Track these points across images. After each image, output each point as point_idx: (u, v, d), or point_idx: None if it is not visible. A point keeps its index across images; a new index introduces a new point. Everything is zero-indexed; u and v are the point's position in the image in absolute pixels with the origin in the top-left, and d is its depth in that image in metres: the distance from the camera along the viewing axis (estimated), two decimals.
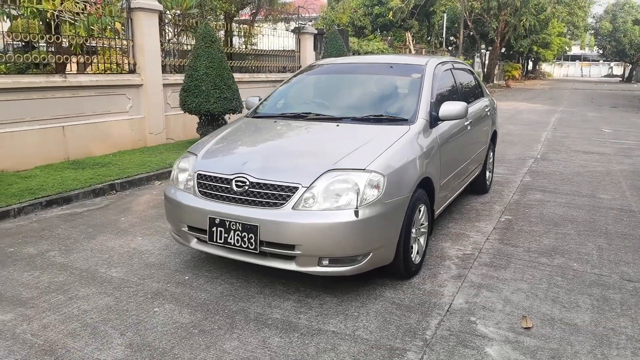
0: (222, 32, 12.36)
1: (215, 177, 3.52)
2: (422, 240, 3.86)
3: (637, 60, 46.57)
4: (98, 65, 8.59)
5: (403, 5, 25.70)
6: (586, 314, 3.24)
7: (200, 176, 3.60)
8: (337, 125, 3.97)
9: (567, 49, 45.04)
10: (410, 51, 19.79)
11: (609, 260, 4.13)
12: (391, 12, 24.85)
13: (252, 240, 3.26)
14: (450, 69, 5.00)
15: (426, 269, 3.91)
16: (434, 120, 4.08)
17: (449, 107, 4.06)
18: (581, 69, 72.08)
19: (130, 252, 4.27)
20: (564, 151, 9.45)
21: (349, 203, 3.19)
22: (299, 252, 3.19)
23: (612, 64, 65.40)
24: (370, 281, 3.64)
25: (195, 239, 3.65)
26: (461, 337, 2.96)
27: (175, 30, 10.95)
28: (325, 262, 3.23)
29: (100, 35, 8.31)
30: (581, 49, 47.38)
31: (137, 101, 8.69)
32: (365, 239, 3.23)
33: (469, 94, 5.42)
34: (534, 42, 32.09)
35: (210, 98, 8.22)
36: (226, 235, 3.36)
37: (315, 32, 14.97)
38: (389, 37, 19.75)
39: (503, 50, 32.55)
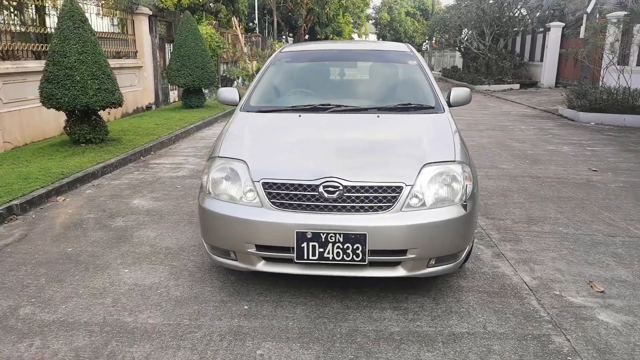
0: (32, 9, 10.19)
1: (293, 184, 2.99)
2: None
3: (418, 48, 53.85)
4: None
5: None
6: (621, 271, 3.73)
7: (268, 185, 3.02)
8: (378, 117, 3.73)
9: (353, 36, 49.63)
10: (238, 36, 19.34)
11: (579, 221, 4.80)
12: None
13: (358, 252, 2.89)
14: None
15: None
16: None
17: (459, 93, 4.15)
18: None
19: (137, 290, 3.37)
20: None
21: (452, 197, 3.06)
22: (412, 256, 2.95)
23: None
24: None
25: (263, 260, 3.07)
26: (569, 310, 3.13)
27: None
28: (433, 262, 3.05)
29: None
30: (359, 36, 52.63)
31: None
32: (470, 232, 3.16)
33: None
34: (334, 29, 34.59)
35: (88, 90, 6.82)
36: (322, 250, 2.90)
37: (150, 13, 13.52)
38: (214, 22, 18.99)
39: (307, 37, 34.25)
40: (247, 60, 18.79)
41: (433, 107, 3.92)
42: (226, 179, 3.18)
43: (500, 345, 2.76)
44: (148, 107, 13.01)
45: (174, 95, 14.90)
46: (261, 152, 3.30)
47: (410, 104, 3.96)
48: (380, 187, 2.96)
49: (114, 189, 5.84)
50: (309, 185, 2.97)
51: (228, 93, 4.28)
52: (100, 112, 7.52)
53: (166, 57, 14.63)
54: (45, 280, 3.52)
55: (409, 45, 4.88)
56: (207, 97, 13.49)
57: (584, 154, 8.09)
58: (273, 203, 2.99)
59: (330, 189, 2.95)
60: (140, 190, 5.79)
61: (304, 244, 2.90)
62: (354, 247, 2.88)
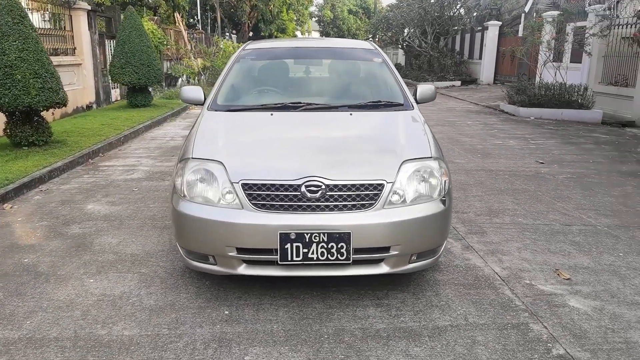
0: None
1: (274, 184, 2.92)
2: None
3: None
4: None
5: None
6: (583, 258, 3.93)
7: (248, 186, 2.93)
8: (351, 114, 3.72)
9: (297, 34, 49.56)
10: (182, 33, 18.76)
11: (535, 212, 5.01)
12: None
13: (342, 250, 2.87)
14: None
15: None
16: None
17: (425, 90, 4.21)
18: None
19: (107, 301, 3.20)
20: None
21: (431, 193, 3.10)
22: (395, 252, 2.97)
23: None
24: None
25: (244, 264, 2.99)
26: (541, 298, 3.26)
27: None
28: (414, 258, 3.09)
29: None
30: (302, 33, 52.68)
31: None
32: (447, 227, 3.22)
33: None
34: (278, 27, 34.35)
35: (30, 89, 6.40)
36: (305, 250, 2.86)
37: (89, 8, 12.88)
38: (156, 17, 18.32)
39: (251, 34, 33.81)
40: (193, 58, 18.32)
41: (402, 104, 3.97)
42: (201, 181, 3.08)
43: (483, 335, 2.83)
44: (89, 107, 12.40)
45: (115, 93, 14.29)
46: (238, 152, 3.21)
47: (380, 102, 3.99)
48: (362, 185, 2.95)
49: (65, 194, 5.52)
50: (291, 185, 2.92)
51: (192, 92, 4.13)
52: (43, 113, 7.07)
53: (107, 54, 14.01)
54: (2, 295, 3.27)
55: (372, 42, 4.91)
56: (152, 96, 13.02)
57: (529, 147, 8.47)
58: (254, 204, 2.91)
59: (312, 188, 2.91)
60: (94, 195, 5.50)
61: (288, 245, 2.85)
62: (339, 246, 2.86)
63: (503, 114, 12.79)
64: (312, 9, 49.48)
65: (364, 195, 2.94)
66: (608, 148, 8.50)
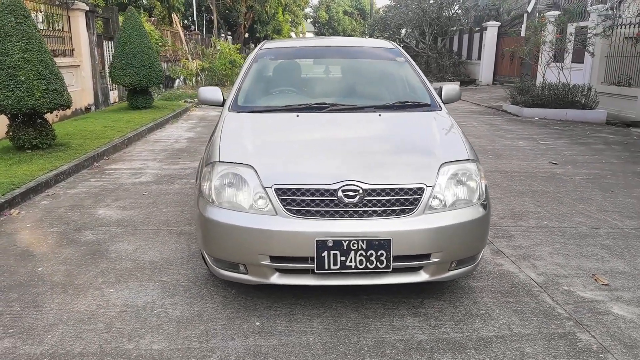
0: None
1: (309, 189, 2.78)
2: None
3: None
4: None
5: None
6: (617, 262, 3.81)
7: (282, 191, 2.79)
8: (380, 115, 3.58)
9: (291, 35, 49.44)
10: (179, 34, 18.57)
11: (559, 214, 4.90)
12: None
13: (382, 258, 2.73)
14: None
15: None
16: None
17: (450, 90, 4.09)
18: None
19: (130, 312, 3.04)
20: None
21: (471, 197, 2.97)
22: (435, 259, 2.83)
23: None
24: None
25: (277, 273, 2.84)
26: (583, 305, 3.14)
27: None
28: (454, 265, 2.95)
29: None
30: (296, 34, 52.58)
31: None
32: (487, 233, 3.09)
33: None
34: (274, 28, 34.17)
35: (34, 91, 6.22)
36: (343, 258, 2.72)
37: (87, 8, 12.67)
38: (153, 18, 18.13)
39: (247, 35, 33.58)
40: (190, 59, 18.13)
41: (429, 105, 3.84)
42: (230, 186, 2.93)
43: (531, 347, 2.70)
44: (87, 109, 12.18)
45: (114, 95, 14.07)
46: (268, 155, 3.06)
47: (407, 102, 3.86)
48: (402, 189, 2.82)
49: (73, 199, 5.34)
50: (327, 190, 2.78)
51: (210, 92, 3.98)
52: (47, 115, 6.88)
53: (104, 55, 13.80)
54: (19, 307, 3.10)
55: (393, 42, 4.78)
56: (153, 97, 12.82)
57: (539, 147, 8.38)
58: (288, 210, 2.77)
59: (349, 193, 2.77)
60: (103, 199, 5.33)
61: (325, 253, 2.71)
62: (378, 253, 2.72)
63: (507, 115, 12.71)
64: (308, 10, 49.43)
65: (404, 200, 2.80)
66: (618, 148, 8.42)
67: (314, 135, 3.34)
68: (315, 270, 2.74)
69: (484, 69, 21.26)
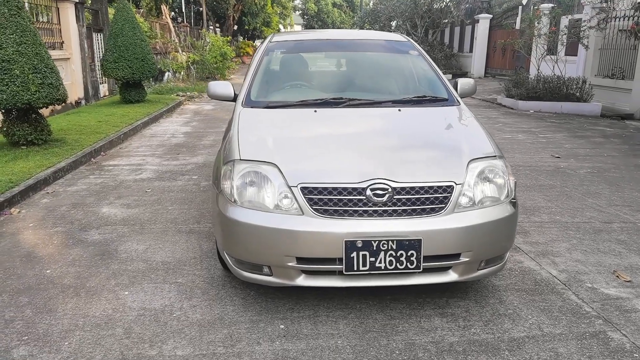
0: None
1: (337, 188, 2.69)
2: None
3: None
4: None
5: None
6: (635, 257, 3.79)
7: (308, 190, 2.69)
8: (399, 110, 3.50)
9: (280, 27, 49.08)
10: (169, 26, 18.26)
11: (570, 209, 4.87)
12: None
13: (412, 258, 2.66)
14: None
15: None
16: None
17: (465, 84, 4.01)
18: None
19: (149, 316, 2.93)
20: None
21: (499, 195, 2.91)
22: (465, 259, 2.76)
23: None
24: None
25: (303, 274, 2.75)
26: (610, 303, 3.10)
27: None
28: (483, 264, 2.89)
29: None
30: (284, 27, 52.21)
31: None
32: (515, 231, 3.03)
33: None
34: (263, 20, 33.83)
35: (29, 85, 6.02)
36: (373, 259, 2.64)
37: (77, 0, 12.36)
38: (142, 10, 17.78)
39: (235, 27, 33.22)
40: (181, 52, 17.85)
41: (447, 99, 3.76)
42: (252, 184, 2.83)
43: (565, 347, 2.65)
44: (77, 103, 11.92)
45: (104, 89, 13.80)
46: (291, 153, 2.95)
47: (425, 96, 3.78)
48: (431, 188, 2.74)
49: (74, 197, 5.19)
50: (355, 189, 2.69)
51: (221, 87, 3.86)
52: (42, 110, 6.69)
53: (94, 48, 13.52)
54: (31, 312, 2.97)
55: (405, 35, 4.69)
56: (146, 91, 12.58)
57: (539, 141, 8.37)
58: (315, 210, 2.68)
59: (378, 191, 2.69)
60: (106, 197, 5.19)
61: (354, 254, 2.63)
62: (408, 254, 2.65)
63: (502, 108, 12.71)
64: (297, 1, 49.08)
65: (434, 198, 2.73)
66: (617, 141, 8.45)
67: (335, 132, 3.24)
68: (344, 272, 2.66)
69: (476, 62, 21.28)
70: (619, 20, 12.11)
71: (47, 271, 3.50)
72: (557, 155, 7.23)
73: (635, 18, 11.35)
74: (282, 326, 2.83)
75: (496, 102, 13.56)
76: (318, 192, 2.69)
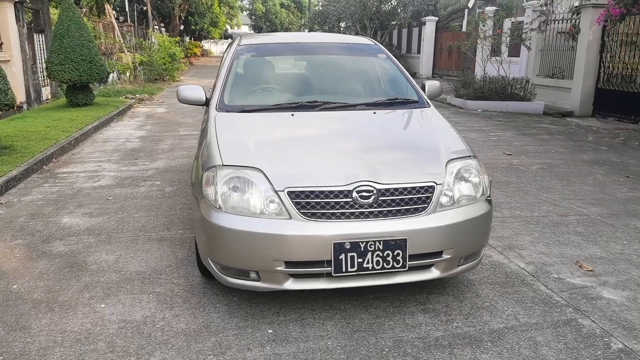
0: None
1: (323, 191, 2.72)
2: None
3: None
4: None
5: None
6: (593, 248, 4.04)
7: (295, 194, 2.71)
8: (374, 113, 3.57)
9: (227, 28, 48.41)
10: (113, 25, 17.60)
11: (528, 204, 5.13)
12: None
13: (398, 258, 2.73)
14: None
15: None
16: None
17: (432, 85, 4.14)
18: None
19: (131, 328, 2.85)
20: None
21: (475, 193, 3.03)
22: (447, 256, 2.86)
23: None
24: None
25: (291, 278, 2.76)
26: (577, 292, 3.30)
27: None
28: (462, 260, 3.00)
29: None
30: (231, 27, 51.66)
31: None
32: (490, 227, 3.16)
33: None
34: (211, 20, 33.24)
35: None
36: (360, 260, 2.69)
37: None
38: (84, 9, 17.02)
39: (182, 27, 32.48)
40: (126, 52, 17.30)
41: (417, 102, 3.88)
42: (235, 190, 2.81)
43: (542, 336, 2.80)
44: (19, 107, 11.31)
45: (46, 92, 13.17)
46: (274, 157, 2.95)
47: (396, 99, 3.87)
48: (414, 188, 2.82)
49: (31, 207, 4.94)
50: (341, 191, 2.73)
51: (191, 91, 3.81)
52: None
53: (36, 50, 12.88)
54: (3, 330, 2.82)
55: (372, 39, 4.78)
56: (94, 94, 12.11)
57: (490, 139, 8.73)
58: (303, 214, 2.69)
59: (364, 193, 2.74)
60: (65, 206, 4.97)
61: (342, 256, 2.67)
62: (394, 253, 2.72)
63: (452, 107, 13.13)
64: (244, 1, 48.65)
65: (417, 198, 2.81)
66: (562, 138, 8.94)
67: (315, 135, 3.27)
68: (333, 274, 2.69)
69: (424, 63, 21.87)
70: (558, 23, 12.79)
71: (14, 286, 3.33)
72: (508, 153, 7.56)
73: (573, 21, 12.03)
74: (270, 331, 2.83)
75: (446, 101, 13.98)
76: (305, 195, 2.71)
